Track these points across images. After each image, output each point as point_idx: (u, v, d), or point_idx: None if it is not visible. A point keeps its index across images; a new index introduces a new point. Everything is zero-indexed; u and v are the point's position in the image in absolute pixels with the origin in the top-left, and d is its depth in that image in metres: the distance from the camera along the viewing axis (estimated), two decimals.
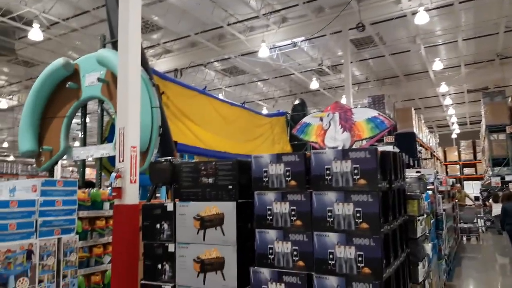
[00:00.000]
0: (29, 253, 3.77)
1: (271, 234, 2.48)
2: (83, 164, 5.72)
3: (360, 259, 2.24)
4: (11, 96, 17.88)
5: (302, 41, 13.40)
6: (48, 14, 10.46)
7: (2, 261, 3.53)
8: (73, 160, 5.68)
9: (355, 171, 2.34)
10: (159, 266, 2.86)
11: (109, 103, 5.24)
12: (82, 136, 5.78)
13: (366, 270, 2.21)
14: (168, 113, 5.83)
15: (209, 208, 2.71)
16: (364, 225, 2.27)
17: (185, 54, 13.77)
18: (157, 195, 6.03)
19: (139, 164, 4.77)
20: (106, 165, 5.80)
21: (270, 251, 2.47)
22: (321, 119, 4.55)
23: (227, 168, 2.72)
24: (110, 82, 5.23)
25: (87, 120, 6.06)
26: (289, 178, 2.47)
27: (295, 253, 2.39)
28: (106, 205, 4.60)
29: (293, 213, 2.42)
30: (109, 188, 4.84)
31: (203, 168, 2.83)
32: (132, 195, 3.83)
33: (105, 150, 5.33)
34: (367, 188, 2.30)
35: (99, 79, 5.22)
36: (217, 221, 2.66)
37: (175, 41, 13.14)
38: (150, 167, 3.33)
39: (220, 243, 2.62)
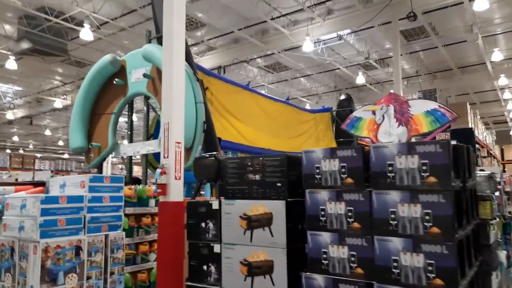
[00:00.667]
0: (78, 249, 3.79)
1: (325, 236, 2.25)
2: (130, 161, 5.76)
3: (430, 268, 1.96)
4: (65, 96, 18.78)
5: (348, 34, 12.92)
6: (97, 14, 10.78)
7: (52, 257, 3.56)
8: (120, 157, 5.74)
9: (424, 168, 2.05)
10: (205, 267, 2.72)
11: (155, 99, 5.22)
12: (129, 133, 5.81)
13: (438, 281, 1.93)
14: (211, 109, 5.74)
15: (256, 207, 2.53)
16: (435, 230, 1.98)
17: (228, 51, 13.73)
18: (202, 192, 5.97)
19: (184, 161, 4.69)
20: (152, 162, 5.80)
21: (324, 255, 2.24)
22: (374, 113, 4.21)
23: (276, 164, 2.52)
24: (155, 78, 5.20)
25: (134, 118, 6.11)
26: (345, 175, 2.23)
27: (352, 258, 2.14)
28: (152, 202, 4.57)
29: (350, 214, 2.18)
30: (155, 185, 4.81)
31: (249, 164, 2.65)
32: (177, 192, 3.74)
33: (150, 147, 5.32)
34: (438, 187, 2.00)
35: (144, 75, 5.20)
36: (265, 221, 2.47)
37: (218, 38, 13.13)
38: (194, 163, 3.21)
39: (269, 245, 2.43)
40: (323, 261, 2.23)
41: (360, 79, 15.44)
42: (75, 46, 13.30)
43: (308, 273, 2.26)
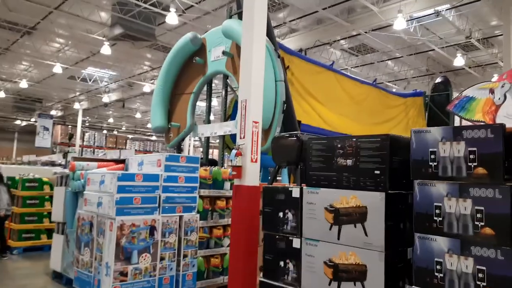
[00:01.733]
0: (152, 229, 3.69)
1: (440, 243, 1.74)
2: (207, 142, 5.62)
3: None
4: (153, 81, 19.75)
5: (447, 9, 11.47)
6: None
7: (126, 235, 3.50)
8: (198, 138, 5.62)
9: None
10: (281, 263, 2.36)
11: (233, 77, 4.96)
12: (207, 113, 5.66)
13: None
14: (292, 91, 5.32)
15: (347, 199, 2.09)
16: None
17: (310, 32, 13.10)
18: (278, 178, 5.62)
19: (261, 142, 4.36)
20: (229, 143, 5.59)
21: (438, 267, 1.73)
22: (492, 92, 3.46)
23: (374, 147, 2.04)
24: (235, 56, 4.93)
25: (214, 102, 5.94)
26: (474, 164, 1.68)
27: (480, 275, 1.61)
28: (227, 184, 4.33)
29: (479, 215, 1.63)
30: (230, 167, 4.57)
31: (340, 145, 2.20)
32: (252, 175, 3.42)
33: (228, 127, 5.09)
34: None
35: (224, 53, 4.96)
36: (357, 216, 2.02)
37: (301, 19, 12.57)
38: (273, 143, 2.85)
39: (361, 245, 1.98)
40: (436, 274, 1.73)
41: (459, 61, 13.76)
42: (162, 31, 13.75)
43: (414, 287, 1.78)
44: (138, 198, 3.63)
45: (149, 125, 33.48)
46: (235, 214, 3.47)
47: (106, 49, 14.02)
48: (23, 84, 19.81)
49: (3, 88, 22.01)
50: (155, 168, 3.95)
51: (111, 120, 30.38)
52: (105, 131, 32.70)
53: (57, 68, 16.77)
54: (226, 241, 4.33)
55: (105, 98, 22.55)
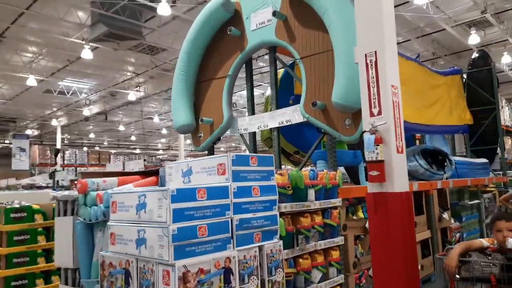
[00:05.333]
0: (228, 274, 2.34)
1: None
2: (253, 140, 4.28)
3: None
4: (138, 88, 18.23)
5: None
6: None
7: None
8: (239, 134, 4.29)
9: None
10: None
11: (290, 47, 3.65)
12: (250, 102, 4.34)
13: None
14: None
15: None
16: None
17: None
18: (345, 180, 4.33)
19: (346, 131, 3.09)
20: (286, 147, 4.31)
21: None
22: None
23: None
24: (289, 17, 3.63)
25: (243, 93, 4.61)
26: None
27: None
28: (311, 193, 3.02)
29: None
30: (310, 169, 3.27)
31: None
32: (402, 175, 2.14)
33: (285, 117, 3.79)
34: None
35: (275, 13, 3.64)
36: None
37: None
38: None
39: None
40: None
41: (474, 39, 12.85)
42: (149, 30, 12.33)
43: None
44: (204, 226, 2.27)
45: (133, 138, 31.70)
46: (377, 241, 2.14)
47: (87, 53, 12.50)
48: None
49: None
50: (214, 178, 2.60)
51: (92, 135, 28.44)
52: (85, 148, 30.70)
53: (31, 81, 15.07)
54: (316, 275, 3.01)
55: (86, 112, 20.81)
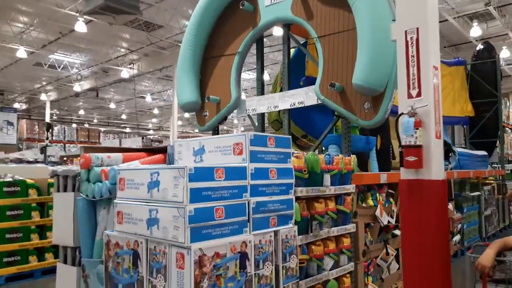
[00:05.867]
0: (243, 258, 2.22)
1: None
2: (261, 122, 4.13)
3: None
4: (131, 65, 17.80)
5: None
6: None
7: (208, 274, 2.01)
8: (246, 115, 4.12)
9: None
10: None
11: (307, 24, 3.48)
12: (259, 82, 4.16)
13: None
14: None
15: None
16: None
17: None
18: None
19: (366, 115, 2.97)
20: (296, 132, 4.17)
21: None
22: None
23: None
24: None
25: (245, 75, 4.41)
26: None
27: None
28: (327, 178, 2.89)
29: None
30: (325, 153, 3.15)
31: None
32: (439, 161, 2.02)
33: (297, 98, 3.63)
34: None
35: None
36: None
37: None
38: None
39: None
40: None
41: (476, 31, 12.74)
42: (146, 5, 11.93)
43: None
44: (221, 208, 2.13)
45: (123, 116, 31.19)
46: (409, 229, 2.01)
47: (80, 26, 12.07)
48: None
49: None
50: (229, 158, 2.45)
51: (81, 112, 27.87)
52: (74, 125, 30.11)
53: (21, 52, 14.56)
54: (328, 262, 2.91)
55: (76, 87, 20.30)
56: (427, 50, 2.06)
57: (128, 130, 35.96)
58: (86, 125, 32.00)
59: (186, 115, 27.25)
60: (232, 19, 4.06)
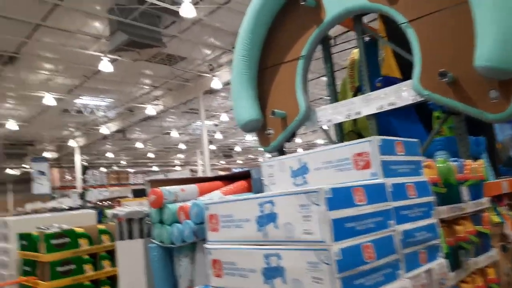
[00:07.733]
0: None
1: None
2: (340, 134, 3.51)
3: None
4: (156, 101, 17.69)
5: None
6: None
7: None
8: (320, 127, 3.52)
9: None
10: None
11: (391, 9, 2.90)
12: (330, 87, 3.58)
13: None
14: None
15: None
16: None
17: None
18: None
19: (494, 107, 2.32)
20: (364, 130, 3.54)
21: None
22: None
23: None
24: None
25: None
26: None
27: None
28: (464, 192, 2.23)
29: None
30: (453, 159, 2.49)
31: None
32: None
33: (385, 100, 3.02)
34: None
35: None
36: None
37: None
38: None
39: None
40: None
41: None
42: (168, 38, 11.77)
43: None
44: (370, 246, 1.49)
45: (150, 155, 31.10)
46: None
47: (105, 66, 11.95)
48: (11, 125, 17.44)
49: None
50: (349, 174, 1.83)
51: (108, 154, 27.89)
52: (102, 168, 30.18)
53: (48, 99, 14.56)
54: None
55: (103, 129, 20.29)
56: None
57: (155, 168, 35.87)
58: (115, 167, 32.05)
59: (212, 147, 26.92)
60: (290, 19, 3.53)
